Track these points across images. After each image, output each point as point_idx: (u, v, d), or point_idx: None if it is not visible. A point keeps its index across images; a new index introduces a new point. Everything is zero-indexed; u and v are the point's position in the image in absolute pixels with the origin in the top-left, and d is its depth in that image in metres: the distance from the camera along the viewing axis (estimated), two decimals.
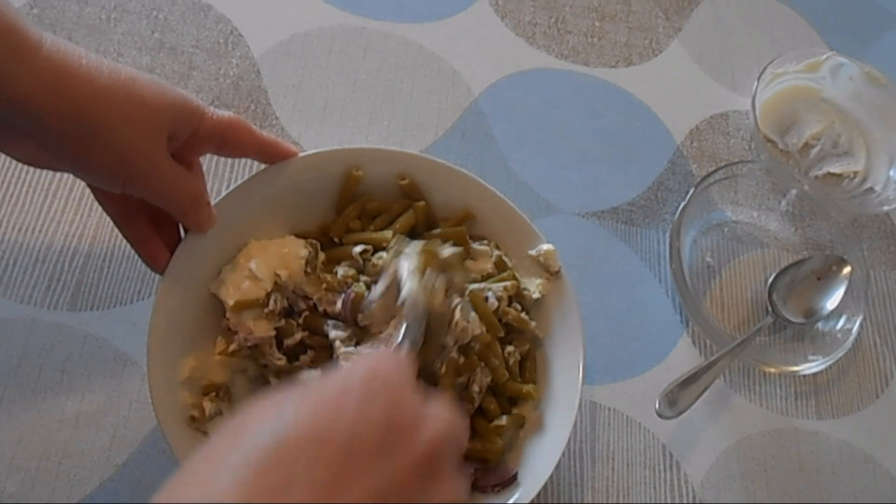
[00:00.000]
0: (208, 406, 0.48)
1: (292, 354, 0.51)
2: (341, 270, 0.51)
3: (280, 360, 0.50)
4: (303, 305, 0.51)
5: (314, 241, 0.53)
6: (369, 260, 0.52)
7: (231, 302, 0.49)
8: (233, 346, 0.50)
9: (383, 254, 0.52)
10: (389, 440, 0.31)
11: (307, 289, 0.51)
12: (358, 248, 0.53)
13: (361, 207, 0.55)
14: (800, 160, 0.73)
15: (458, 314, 0.49)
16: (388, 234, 0.53)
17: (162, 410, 0.46)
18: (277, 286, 0.50)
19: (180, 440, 0.46)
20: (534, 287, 0.55)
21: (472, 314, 0.50)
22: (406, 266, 0.48)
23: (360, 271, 0.52)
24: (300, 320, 0.51)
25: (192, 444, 0.46)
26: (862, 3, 0.86)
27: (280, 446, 0.30)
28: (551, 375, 0.53)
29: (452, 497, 0.33)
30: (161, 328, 0.47)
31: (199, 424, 0.47)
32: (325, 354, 0.50)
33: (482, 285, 0.53)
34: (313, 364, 0.50)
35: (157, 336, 0.47)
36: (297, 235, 0.53)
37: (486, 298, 0.52)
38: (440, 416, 0.34)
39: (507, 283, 0.53)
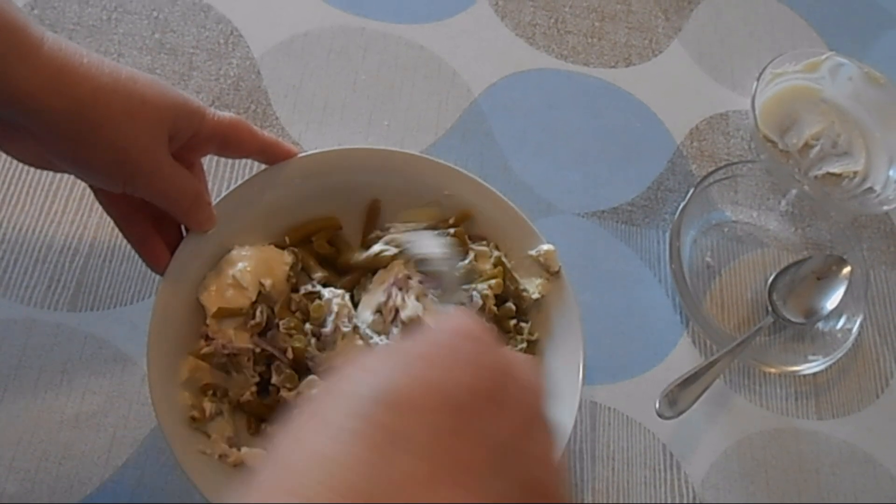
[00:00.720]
0: (208, 406, 0.47)
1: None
2: (283, 323, 0.50)
3: (254, 378, 0.50)
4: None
5: (296, 250, 0.53)
6: (315, 301, 0.51)
7: (213, 309, 0.49)
8: (207, 349, 0.49)
9: (326, 292, 0.51)
10: (498, 397, 0.30)
11: (280, 313, 0.51)
12: (303, 290, 0.52)
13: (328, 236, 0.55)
14: (799, 160, 0.73)
15: (427, 319, 0.49)
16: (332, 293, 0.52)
17: (162, 411, 0.46)
18: (262, 296, 0.50)
19: (181, 441, 0.46)
20: (533, 287, 0.55)
21: None
22: (416, 236, 0.51)
23: (305, 319, 0.51)
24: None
25: (192, 445, 0.46)
26: (862, 3, 0.86)
27: (383, 409, 0.28)
28: (551, 375, 0.53)
29: (554, 449, 0.32)
30: (161, 328, 0.47)
31: (200, 425, 0.47)
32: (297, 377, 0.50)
33: (466, 286, 0.53)
34: (286, 386, 0.49)
35: (157, 336, 0.47)
36: (277, 246, 0.53)
37: (472, 298, 0.52)
38: (531, 366, 0.33)
39: (492, 282, 0.53)
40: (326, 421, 0.28)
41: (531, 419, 0.30)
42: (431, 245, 0.51)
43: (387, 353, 0.31)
